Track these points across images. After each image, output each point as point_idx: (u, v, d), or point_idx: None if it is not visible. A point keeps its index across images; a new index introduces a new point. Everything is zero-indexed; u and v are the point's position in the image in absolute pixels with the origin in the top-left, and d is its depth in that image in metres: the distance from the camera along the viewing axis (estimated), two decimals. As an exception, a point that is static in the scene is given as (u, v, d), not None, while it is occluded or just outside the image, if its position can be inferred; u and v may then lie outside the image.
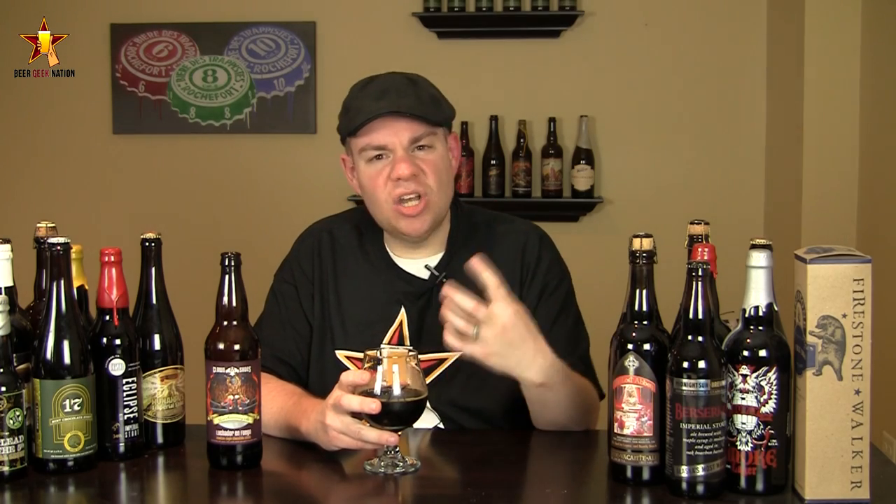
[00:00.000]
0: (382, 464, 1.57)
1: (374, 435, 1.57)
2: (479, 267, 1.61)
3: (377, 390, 1.56)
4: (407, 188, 1.82)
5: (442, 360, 1.85)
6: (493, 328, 1.59)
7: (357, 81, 1.92)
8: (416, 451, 1.80)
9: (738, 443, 1.44)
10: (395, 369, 1.56)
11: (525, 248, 1.93)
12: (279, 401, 1.76)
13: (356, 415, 1.57)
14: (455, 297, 1.59)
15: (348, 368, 1.84)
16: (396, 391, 1.56)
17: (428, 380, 1.82)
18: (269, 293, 1.99)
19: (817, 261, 1.41)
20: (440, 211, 1.88)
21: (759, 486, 1.44)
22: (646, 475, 1.49)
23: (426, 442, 1.80)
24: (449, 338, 1.61)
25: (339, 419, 1.58)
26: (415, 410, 1.58)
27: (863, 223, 3.66)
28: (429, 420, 1.85)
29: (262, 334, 1.84)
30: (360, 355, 1.81)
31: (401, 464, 1.57)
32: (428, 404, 1.82)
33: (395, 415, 1.57)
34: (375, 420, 1.57)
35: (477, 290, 1.66)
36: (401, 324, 1.89)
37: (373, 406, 1.53)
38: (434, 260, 1.92)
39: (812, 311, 1.41)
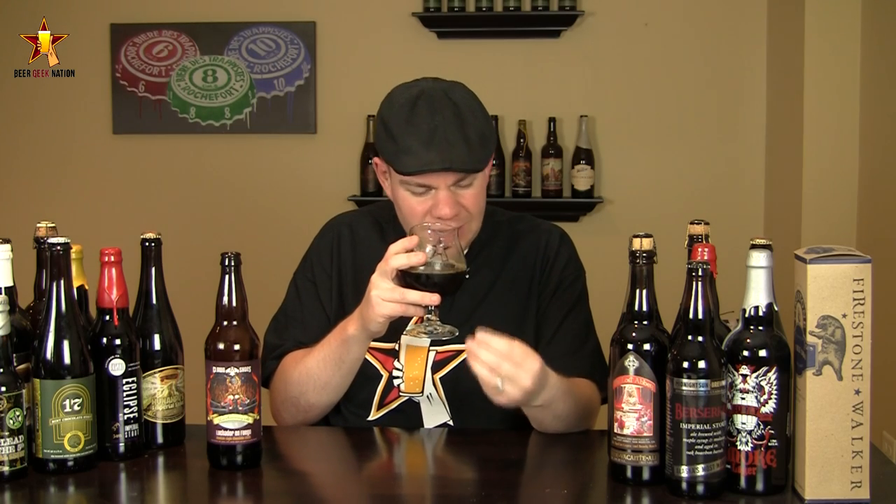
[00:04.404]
0: (422, 329, 1.66)
1: (416, 295, 1.63)
2: (486, 336, 1.58)
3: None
4: (446, 225, 1.78)
5: (458, 353, 1.85)
6: (516, 387, 1.59)
7: (396, 94, 1.83)
8: (417, 449, 1.80)
9: (738, 443, 1.44)
10: (438, 242, 1.66)
11: (546, 244, 1.95)
12: (316, 348, 1.80)
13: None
14: (481, 354, 1.58)
15: (368, 360, 1.85)
16: (437, 263, 1.64)
17: (443, 371, 1.85)
18: (290, 284, 2.00)
19: (817, 261, 1.41)
20: (473, 234, 1.89)
21: (759, 486, 1.45)
22: (646, 475, 1.49)
23: (427, 442, 1.80)
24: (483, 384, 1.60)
25: (384, 285, 1.64)
26: (454, 279, 1.65)
27: (863, 223, 3.66)
28: (439, 416, 1.86)
29: (286, 324, 1.92)
30: (381, 346, 1.83)
31: (439, 328, 1.65)
32: (439, 398, 1.82)
33: (436, 281, 1.63)
34: (417, 285, 1.64)
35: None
36: (421, 316, 1.89)
37: (419, 258, 1.62)
38: None
39: (812, 311, 1.41)
